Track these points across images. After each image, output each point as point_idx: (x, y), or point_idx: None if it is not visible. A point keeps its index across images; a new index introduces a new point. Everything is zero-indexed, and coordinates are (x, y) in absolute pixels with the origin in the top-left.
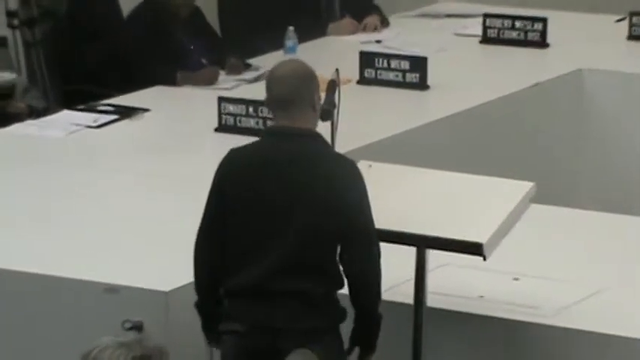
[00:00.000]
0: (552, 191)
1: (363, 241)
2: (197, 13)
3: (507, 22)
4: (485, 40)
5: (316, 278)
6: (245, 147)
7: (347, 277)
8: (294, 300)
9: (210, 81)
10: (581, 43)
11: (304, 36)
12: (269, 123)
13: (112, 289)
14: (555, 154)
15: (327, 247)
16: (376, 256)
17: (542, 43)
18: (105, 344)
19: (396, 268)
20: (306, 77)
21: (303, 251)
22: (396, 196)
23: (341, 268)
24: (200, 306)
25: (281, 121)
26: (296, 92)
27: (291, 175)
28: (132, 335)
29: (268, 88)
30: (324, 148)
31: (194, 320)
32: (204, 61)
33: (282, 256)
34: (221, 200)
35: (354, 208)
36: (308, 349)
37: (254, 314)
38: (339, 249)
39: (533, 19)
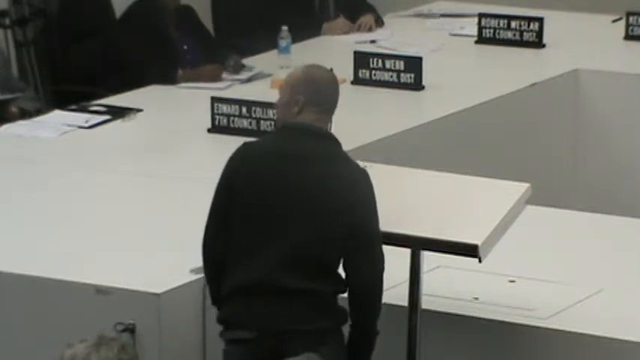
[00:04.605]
0: (548, 192)
1: (367, 245)
2: (190, 13)
3: (503, 22)
4: (481, 40)
5: (321, 278)
6: (258, 141)
7: (352, 287)
8: (300, 300)
9: (213, 78)
10: (577, 44)
11: (298, 36)
12: (262, 123)
13: (103, 291)
14: (551, 155)
15: (332, 247)
16: (380, 266)
17: (538, 43)
18: (82, 352)
19: (390, 270)
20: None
21: (308, 250)
22: (390, 198)
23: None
24: (215, 303)
25: (305, 118)
26: (337, 97)
27: (303, 172)
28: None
29: (313, 89)
30: (339, 150)
31: (186, 322)
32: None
33: (286, 253)
34: (229, 195)
35: (362, 211)
36: (315, 351)
37: (259, 315)
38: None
39: (530, 19)
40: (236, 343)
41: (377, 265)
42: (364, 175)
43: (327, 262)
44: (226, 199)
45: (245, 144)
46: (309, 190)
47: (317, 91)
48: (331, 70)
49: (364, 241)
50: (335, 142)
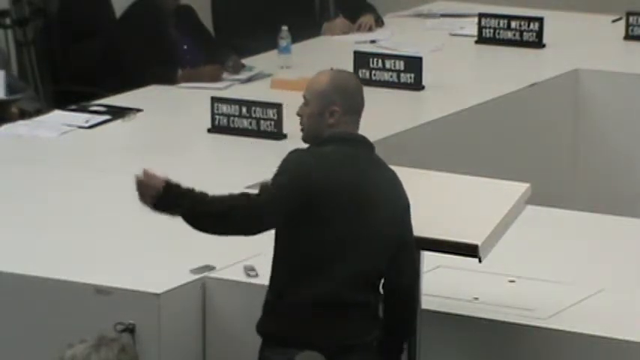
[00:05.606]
0: (548, 192)
1: (411, 252)
2: (190, 13)
3: (503, 22)
4: (481, 40)
5: (372, 289)
6: (318, 151)
7: (394, 290)
8: (360, 313)
9: (213, 78)
10: (577, 44)
11: (298, 36)
12: (262, 123)
13: (103, 291)
14: (551, 155)
15: (386, 255)
16: (418, 266)
17: (538, 43)
18: (82, 353)
19: None
20: None
21: (371, 261)
22: None
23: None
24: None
25: (342, 127)
26: (364, 100)
27: (367, 182)
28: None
29: (347, 98)
30: (378, 156)
31: (186, 322)
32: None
33: (353, 266)
34: (304, 202)
35: (408, 217)
36: None
37: (321, 332)
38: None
39: (529, 19)
40: None
41: (417, 265)
42: (400, 180)
43: (380, 271)
44: (299, 202)
45: (302, 150)
46: (374, 197)
47: (351, 100)
48: (331, 70)
49: (409, 243)
50: (374, 148)
